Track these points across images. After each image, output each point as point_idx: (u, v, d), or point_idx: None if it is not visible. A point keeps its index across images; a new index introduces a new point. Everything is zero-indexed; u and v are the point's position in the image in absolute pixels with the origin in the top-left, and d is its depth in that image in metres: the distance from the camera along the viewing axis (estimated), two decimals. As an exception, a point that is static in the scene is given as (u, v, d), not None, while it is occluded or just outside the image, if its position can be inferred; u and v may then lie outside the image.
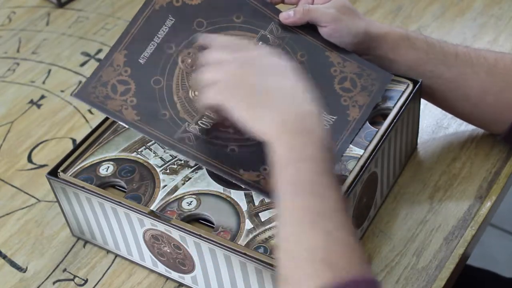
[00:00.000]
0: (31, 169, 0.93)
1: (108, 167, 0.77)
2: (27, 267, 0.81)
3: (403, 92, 0.80)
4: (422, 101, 0.84)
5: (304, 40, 0.78)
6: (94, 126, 0.84)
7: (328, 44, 0.78)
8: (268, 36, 0.78)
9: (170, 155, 0.77)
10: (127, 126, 0.73)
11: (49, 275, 0.79)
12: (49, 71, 1.09)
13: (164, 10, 0.77)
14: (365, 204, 0.75)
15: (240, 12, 0.79)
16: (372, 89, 0.77)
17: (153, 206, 0.72)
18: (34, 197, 0.89)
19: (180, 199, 0.72)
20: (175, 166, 0.76)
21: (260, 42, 0.77)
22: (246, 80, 0.63)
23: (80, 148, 0.79)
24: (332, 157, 0.61)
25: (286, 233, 0.58)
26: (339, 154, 0.73)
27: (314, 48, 0.78)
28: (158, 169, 0.76)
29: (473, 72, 0.78)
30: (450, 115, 0.90)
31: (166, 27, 0.76)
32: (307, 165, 0.58)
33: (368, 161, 0.73)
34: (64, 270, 0.80)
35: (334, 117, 0.74)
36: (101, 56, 1.09)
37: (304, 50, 0.78)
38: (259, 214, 0.70)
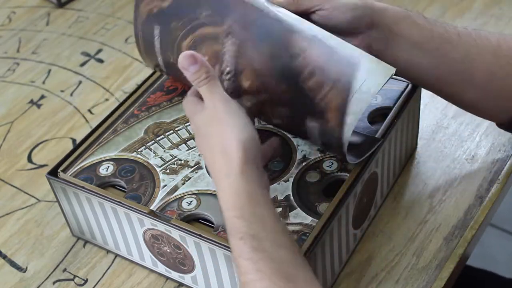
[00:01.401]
0: (31, 169, 0.93)
1: (108, 167, 0.77)
2: (27, 267, 0.81)
3: (403, 92, 0.80)
4: (422, 101, 0.84)
5: (272, 24, 0.68)
6: (94, 126, 0.84)
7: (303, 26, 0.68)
8: (233, 26, 0.70)
9: (170, 155, 0.77)
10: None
11: (49, 275, 0.79)
12: (49, 71, 1.09)
13: (149, 21, 0.77)
14: (365, 204, 0.75)
15: (204, 4, 0.72)
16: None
17: (153, 206, 0.72)
18: (34, 197, 0.89)
19: (180, 199, 0.72)
20: (175, 166, 0.76)
21: (228, 35, 0.71)
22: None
23: (80, 148, 0.79)
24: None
25: None
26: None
27: (279, 32, 0.68)
28: (158, 169, 0.76)
29: (478, 53, 0.75)
30: (450, 115, 0.90)
31: (157, 37, 0.77)
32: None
33: (368, 161, 0.73)
34: (64, 270, 0.80)
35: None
36: (101, 56, 1.09)
37: (266, 38, 0.68)
38: (259, 214, 0.70)
